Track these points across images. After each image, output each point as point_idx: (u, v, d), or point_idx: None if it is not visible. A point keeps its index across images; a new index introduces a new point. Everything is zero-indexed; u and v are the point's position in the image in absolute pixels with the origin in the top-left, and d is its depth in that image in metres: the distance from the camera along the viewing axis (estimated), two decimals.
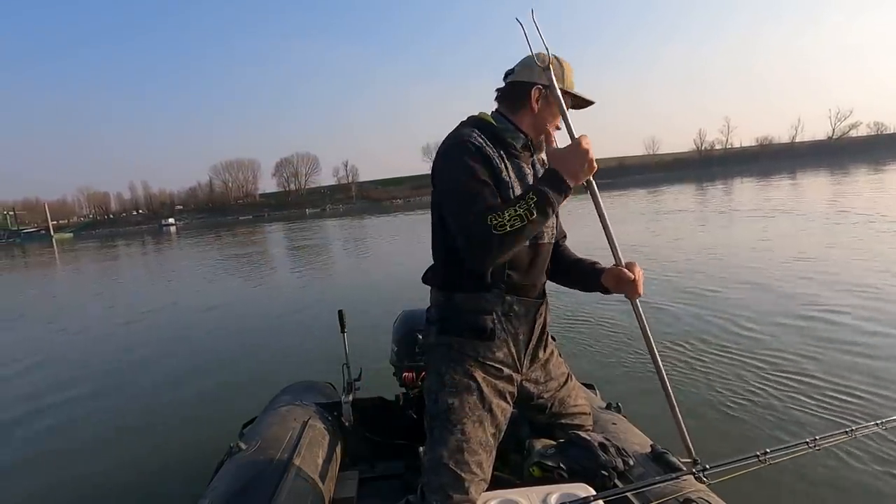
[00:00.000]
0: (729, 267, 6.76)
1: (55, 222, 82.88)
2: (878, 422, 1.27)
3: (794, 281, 5.66)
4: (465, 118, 1.40)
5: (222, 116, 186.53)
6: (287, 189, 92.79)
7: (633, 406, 2.81)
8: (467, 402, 1.28)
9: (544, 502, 1.25)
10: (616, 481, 1.40)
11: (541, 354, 1.49)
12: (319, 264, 12.75)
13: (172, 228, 61.42)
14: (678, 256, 7.96)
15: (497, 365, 1.33)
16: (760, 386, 3.16)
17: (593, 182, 1.29)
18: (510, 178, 1.29)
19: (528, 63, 1.34)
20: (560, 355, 1.62)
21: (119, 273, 16.55)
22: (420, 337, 2.12)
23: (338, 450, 1.89)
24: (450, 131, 1.34)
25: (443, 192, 1.27)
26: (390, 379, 2.23)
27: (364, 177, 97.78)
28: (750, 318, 4.40)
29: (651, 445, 1.53)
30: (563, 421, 1.59)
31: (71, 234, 73.13)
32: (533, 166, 1.40)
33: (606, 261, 1.49)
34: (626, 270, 1.38)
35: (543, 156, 1.43)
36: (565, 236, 1.62)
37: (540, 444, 1.55)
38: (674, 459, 1.43)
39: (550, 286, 1.51)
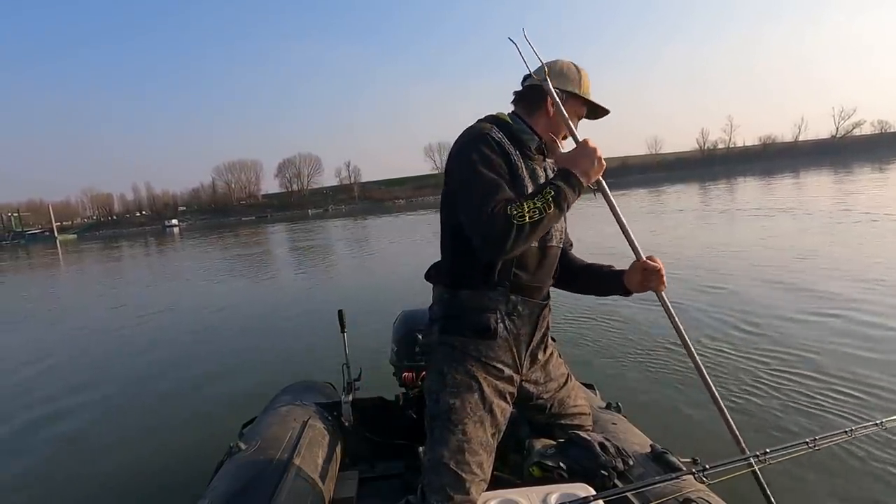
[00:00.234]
0: (728, 265, 6.74)
1: (59, 223, 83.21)
2: (877, 421, 1.26)
3: (795, 279, 5.64)
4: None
5: (224, 117, 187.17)
6: (290, 190, 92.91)
7: (633, 406, 2.82)
8: (468, 402, 1.28)
9: (544, 502, 1.25)
10: (616, 481, 1.40)
11: (541, 356, 1.49)
12: (320, 265, 12.78)
13: (176, 229, 61.60)
14: (678, 254, 7.94)
15: (498, 365, 1.33)
16: (761, 384, 3.16)
17: (603, 181, 1.31)
18: (524, 176, 1.31)
19: (546, 67, 1.36)
20: (560, 356, 1.62)
21: (122, 274, 16.60)
22: (420, 337, 2.12)
23: (338, 450, 1.89)
24: (462, 129, 1.34)
25: (460, 182, 1.25)
26: (390, 379, 2.23)
27: (366, 177, 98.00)
28: (750, 316, 4.39)
29: (651, 445, 1.53)
30: (562, 421, 1.59)
31: (75, 236, 73.41)
32: (545, 170, 1.41)
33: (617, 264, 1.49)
34: (650, 261, 1.40)
35: (550, 161, 1.45)
36: (572, 245, 1.63)
37: (540, 444, 1.56)
38: (674, 459, 1.43)
39: (555, 291, 1.51)
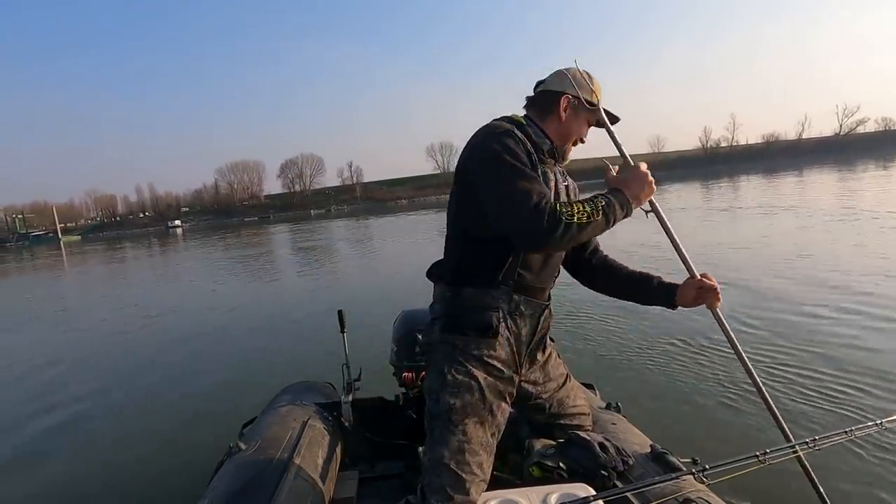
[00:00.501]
0: (730, 263, 6.72)
1: (63, 225, 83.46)
2: (877, 422, 1.26)
3: (797, 277, 5.62)
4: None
5: (226, 118, 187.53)
6: (292, 190, 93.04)
7: (633, 406, 2.81)
8: (469, 402, 1.28)
9: (544, 502, 1.25)
10: (616, 481, 1.40)
11: (539, 357, 1.50)
12: (321, 265, 12.79)
13: (179, 230, 61.77)
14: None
15: (499, 365, 1.33)
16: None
17: (656, 202, 1.37)
18: (538, 177, 1.31)
19: (561, 73, 1.42)
20: (559, 356, 1.62)
21: (125, 275, 16.65)
22: (420, 337, 2.13)
23: (338, 450, 1.89)
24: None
25: (489, 175, 1.25)
26: (390, 379, 2.23)
27: (368, 177, 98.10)
28: (750, 315, 4.38)
29: (651, 445, 1.53)
30: (562, 421, 1.59)
31: (79, 237, 73.69)
32: (555, 175, 1.41)
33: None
34: (707, 279, 1.44)
35: (559, 169, 1.46)
36: (597, 245, 1.63)
37: (540, 444, 1.56)
38: (673, 459, 1.43)
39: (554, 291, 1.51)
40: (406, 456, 1.99)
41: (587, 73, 1.43)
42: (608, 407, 1.85)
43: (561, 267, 1.53)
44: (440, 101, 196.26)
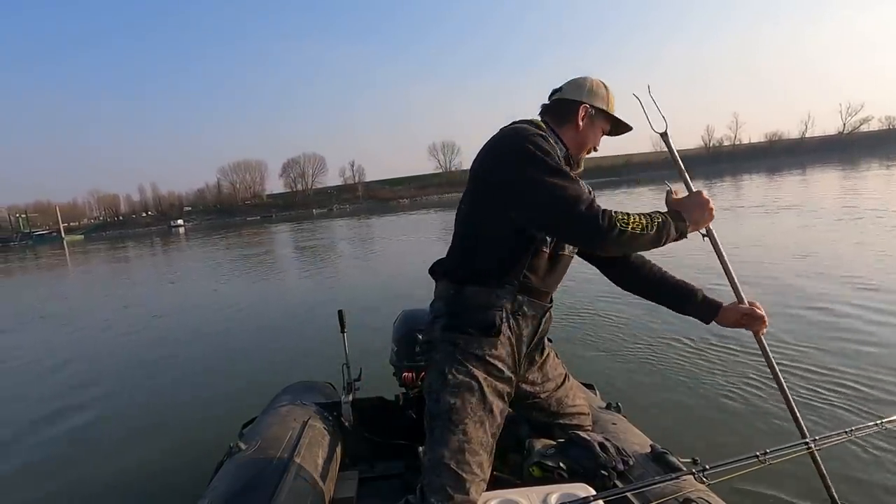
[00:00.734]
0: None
1: (66, 224, 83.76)
2: (877, 422, 1.26)
3: (798, 276, 5.59)
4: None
5: (228, 118, 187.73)
6: (294, 190, 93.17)
7: (633, 406, 2.80)
8: (469, 402, 1.28)
9: (544, 502, 1.25)
10: (616, 481, 1.40)
11: (537, 358, 1.51)
12: (322, 264, 12.79)
13: (181, 229, 61.91)
14: (677, 251, 7.91)
15: (499, 365, 1.33)
16: (761, 383, 3.14)
17: (713, 230, 1.41)
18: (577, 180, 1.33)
19: (578, 83, 1.46)
20: (557, 356, 1.63)
21: (127, 274, 16.68)
22: (420, 337, 2.13)
23: (338, 450, 1.89)
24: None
25: (526, 178, 1.24)
26: (390, 379, 2.23)
27: (370, 177, 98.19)
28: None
29: (651, 445, 1.53)
30: (561, 421, 1.59)
31: (82, 236, 73.91)
32: None
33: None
34: (756, 308, 1.47)
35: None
36: None
37: (540, 443, 1.56)
38: (673, 459, 1.43)
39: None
40: (406, 456, 1.99)
41: (603, 84, 1.47)
42: (608, 407, 1.85)
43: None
44: (440, 100, 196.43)
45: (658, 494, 1.24)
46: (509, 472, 1.61)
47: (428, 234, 17.31)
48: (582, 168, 1.49)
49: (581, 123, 1.43)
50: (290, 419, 1.88)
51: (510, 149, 1.31)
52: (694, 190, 1.36)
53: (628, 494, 1.27)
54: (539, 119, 1.46)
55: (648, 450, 1.50)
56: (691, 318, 1.54)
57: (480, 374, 1.31)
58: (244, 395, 3.72)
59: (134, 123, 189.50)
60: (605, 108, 1.46)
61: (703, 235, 1.40)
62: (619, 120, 1.50)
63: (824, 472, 1.41)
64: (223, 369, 4.69)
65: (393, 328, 2.27)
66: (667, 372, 3.51)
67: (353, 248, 16.45)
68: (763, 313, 1.46)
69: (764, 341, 1.51)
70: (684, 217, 1.29)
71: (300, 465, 1.59)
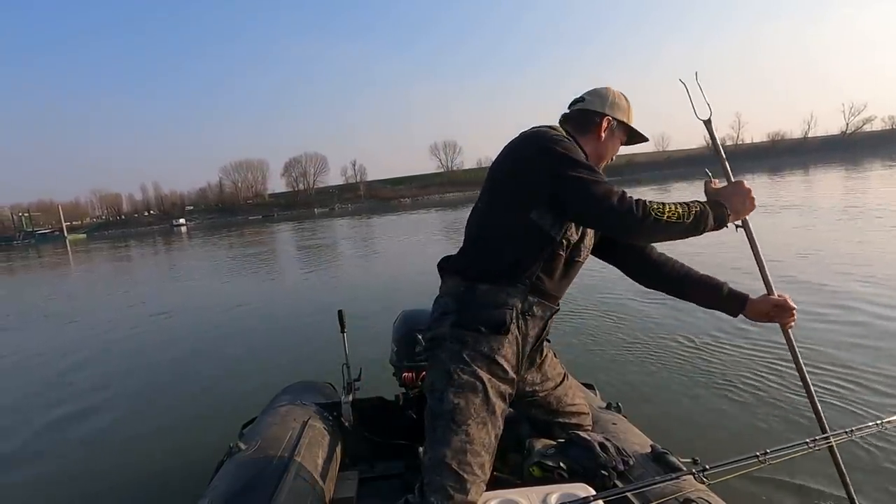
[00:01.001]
0: (728, 261, 6.68)
1: (69, 223, 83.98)
2: (877, 422, 1.26)
3: (800, 274, 5.56)
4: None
5: (231, 118, 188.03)
6: (296, 189, 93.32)
7: (633, 406, 2.79)
8: (473, 403, 1.28)
9: (544, 502, 1.25)
10: (616, 481, 1.40)
11: (537, 358, 1.51)
12: (323, 264, 12.80)
13: (183, 228, 62.04)
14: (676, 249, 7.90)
15: (504, 364, 1.33)
16: (761, 382, 3.14)
17: (748, 221, 1.41)
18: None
19: (601, 94, 1.48)
20: (556, 356, 1.63)
21: (130, 273, 16.72)
22: (420, 337, 2.13)
23: (337, 450, 1.89)
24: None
25: (561, 174, 1.26)
26: (390, 379, 2.23)
27: (372, 176, 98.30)
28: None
29: (651, 445, 1.53)
30: (561, 419, 1.59)
31: (84, 235, 74.09)
32: None
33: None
34: (788, 300, 1.46)
35: None
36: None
37: (540, 443, 1.56)
38: (674, 459, 1.43)
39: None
40: (406, 456, 1.99)
41: (624, 95, 1.50)
42: (608, 407, 1.85)
43: None
44: (440, 99, 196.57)
45: (658, 494, 1.24)
46: (509, 471, 1.61)
47: (427, 235, 17.32)
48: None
49: (603, 135, 1.46)
50: (290, 419, 1.88)
51: (538, 147, 1.32)
52: (734, 179, 1.36)
53: (628, 494, 1.27)
54: (559, 126, 1.47)
55: (648, 450, 1.50)
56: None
57: (485, 375, 1.30)
58: (244, 395, 3.72)
59: (136, 123, 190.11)
60: (626, 120, 1.49)
61: (738, 226, 1.40)
62: (637, 131, 1.53)
63: (843, 469, 1.40)
64: (223, 369, 4.69)
65: (393, 328, 2.27)
66: (667, 371, 3.50)
67: (353, 248, 16.45)
68: (794, 305, 1.46)
69: (791, 335, 1.51)
70: (726, 206, 1.30)
71: (300, 465, 1.59)
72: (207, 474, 1.65)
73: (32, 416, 4.04)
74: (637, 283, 1.63)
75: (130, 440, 3.38)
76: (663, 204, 1.23)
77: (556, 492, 1.27)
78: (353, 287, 8.74)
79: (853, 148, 68.09)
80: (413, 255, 11.84)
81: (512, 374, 1.35)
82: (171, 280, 13.08)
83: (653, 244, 1.59)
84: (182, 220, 76.98)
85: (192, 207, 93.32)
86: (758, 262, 1.48)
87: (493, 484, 1.32)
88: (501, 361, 1.32)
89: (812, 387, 1.50)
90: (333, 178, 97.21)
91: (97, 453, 3.26)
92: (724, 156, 1.45)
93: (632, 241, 1.38)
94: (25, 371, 5.54)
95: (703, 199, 1.34)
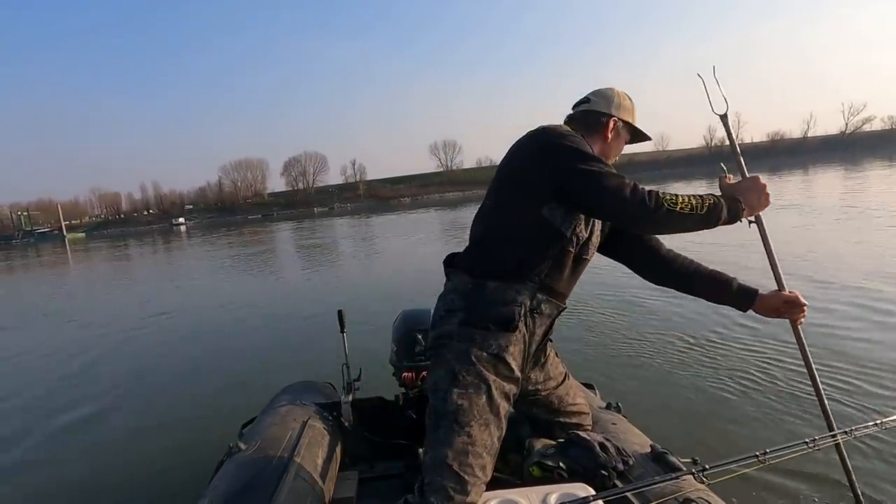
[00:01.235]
0: (725, 261, 6.69)
1: (68, 222, 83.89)
2: (876, 422, 1.26)
3: (799, 274, 5.59)
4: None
5: (230, 117, 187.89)
6: (295, 188, 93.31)
7: (633, 406, 2.78)
8: (476, 404, 1.27)
9: (544, 502, 1.25)
10: (616, 481, 1.39)
11: (541, 357, 1.51)
12: (323, 263, 12.81)
13: (182, 228, 62.05)
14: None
15: (511, 363, 1.32)
16: (760, 381, 3.14)
17: (762, 217, 1.42)
18: None
19: (606, 95, 1.49)
20: (557, 355, 1.62)
21: (129, 273, 16.71)
22: (420, 337, 2.13)
23: (337, 450, 1.89)
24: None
25: (576, 168, 1.27)
26: (390, 379, 2.23)
27: (372, 175, 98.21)
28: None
29: (651, 445, 1.52)
30: (561, 419, 1.59)
31: (83, 234, 74.06)
32: None
33: None
34: (799, 296, 1.47)
35: None
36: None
37: (540, 443, 1.56)
38: (674, 459, 1.43)
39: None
40: (406, 456, 1.99)
41: (627, 96, 1.51)
42: (608, 407, 1.85)
43: None
44: (439, 98, 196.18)
45: (658, 494, 1.24)
46: (509, 471, 1.60)
47: (427, 234, 17.32)
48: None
49: (610, 136, 1.48)
50: (289, 419, 1.88)
51: (548, 143, 1.33)
52: (749, 175, 1.37)
53: (628, 494, 1.27)
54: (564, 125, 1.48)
55: (648, 450, 1.50)
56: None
57: (490, 377, 1.29)
58: (244, 395, 3.71)
59: (135, 122, 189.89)
60: (631, 121, 1.50)
61: (751, 222, 1.40)
62: (641, 131, 1.54)
63: (850, 467, 1.41)
64: (223, 369, 4.68)
65: (393, 328, 2.28)
66: (666, 371, 3.51)
67: (352, 248, 16.44)
68: (805, 301, 1.46)
69: (801, 331, 1.51)
70: (740, 201, 1.30)
71: (300, 465, 1.59)
72: (207, 474, 1.65)
73: (33, 415, 4.04)
74: (645, 280, 1.63)
75: (130, 440, 3.38)
76: (676, 195, 1.23)
77: (555, 492, 1.27)
78: (353, 287, 8.73)
79: (853, 148, 68.15)
80: (411, 255, 11.84)
81: (517, 372, 1.34)
82: (170, 279, 13.06)
83: (661, 241, 1.59)
84: (181, 220, 76.92)
85: (191, 207, 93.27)
86: (769, 258, 1.49)
87: (493, 484, 1.32)
88: (508, 360, 1.31)
89: (821, 384, 1.50)
90: (333, 178, 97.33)
91: (97, 453, 3.25)
92: (739, 151, 1.46)
93: (645, 232, 1.38)
94: (25, 371, 5.54)
95: (717, 193, 1.34)
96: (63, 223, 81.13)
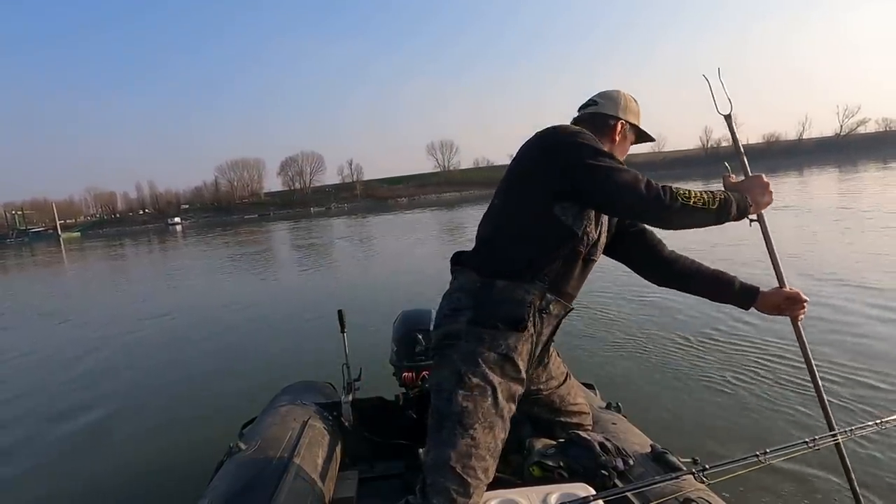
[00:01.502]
0: (720, 258, 6.72)
1: (62, 221, 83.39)
2: (875, 421, 1.26)
3: (797, 273, 5.62)
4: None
5: (226, 116, 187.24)
6: (292, 188, 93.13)
7: (633, 406, 2.77)
8: (481, 407, 1.25)
9: (544, 502, 1.25)
10: (616, 481, 1.39)
11: (545, 357, 1.52)
12: (320, 264, 12.80)
13: (178, 227, 61.83)
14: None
15: (518, 363, 1.31)
16: (761, 381, 3.15)
17: (764, 215, 1.45)
18: None
19: (613, 97, 1.50)
20: (558, 355, 1.63)
21: (125, 273, 16.65)
22: (420, 337, 2.13)
23: (337, 450, 1.89)
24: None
25: (589, 165, 1.26)
26: (390, 379, 2.23)
27: (368, 175, 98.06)
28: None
29: (651, 445, 1.53)
30: (562, 419, 1.59)
31: (78, 233, 73.67)
32: None
33: None
34: (800, 293, 1.48)
35: None
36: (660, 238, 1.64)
37: (540, 443, 1.56)
38: (674, 459, 1.43)
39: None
40: (406, 456, 1.99)
41: (633, 98, 1.52)
42: (608, 407, 1.85)
43: None
44: (434, 98, 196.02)
45: (658, 494, 1.24)
46: (510, 471, 1.60)
47: (426, 234, 17.31)
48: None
49: (617, 138, 1.49)
50: (290, 419, 1.88)
51: (560, 141, 1.33)
52: (752, 174, 1.39)
53: (628, 494, 1.27)
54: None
55: (648, 450, 1.50)
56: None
57: (496, 378, 1.28)
58: (244, 394, 3.71)
59: (131, 120, 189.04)
60: (637, 123, 1.52)
61: (752, 220, 1.42)
62: (645, 133, 1.55)
63: (850, 467, 1.41)
64: (223, 369, 4.68)
65: (393, 328, 2.28)
66: (667, 372, 3.51)
67: (349, 248, 16.42)
68: (806, 298, 1.48)
69: (801, 328, 1.51)
70: (747, 197, 1.33)
71: (300, 465, 1.59)
72: (207, 474, 1.65)
73: (30, 414, 4.02)
74: (647, 281, 1.64)
75: (130, 439, 3.37)
76: (689, 190, 1.24)
77: (556, 492, 1.27)
78: (353, 287, 8.72)
79: (847, 149, 68.51)
80: (409, 255, 11.83)
81: (523, 373, 1.33)
82: (167, 280, 13.01)
83: (663, 242, 1.60)
84: (177, 219, 76.64)
85: (187, 206, 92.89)
86: (771, 256, 1.50)
87: (494, 484, 1.31)
88: (516, 360, 1.30)
89: (821, 383, 1.50)
90: (330, 178, 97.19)
91: (97, 453, 3.25)
92: (742, 150, 1.48)
93: (659, 226, 1.35)
94: (23, 371, 5.52)
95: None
96: (58, 222, 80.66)
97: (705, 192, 1.26)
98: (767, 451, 1.15)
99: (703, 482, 1.25)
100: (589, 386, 2.11)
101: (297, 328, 5.99)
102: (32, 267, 23.65)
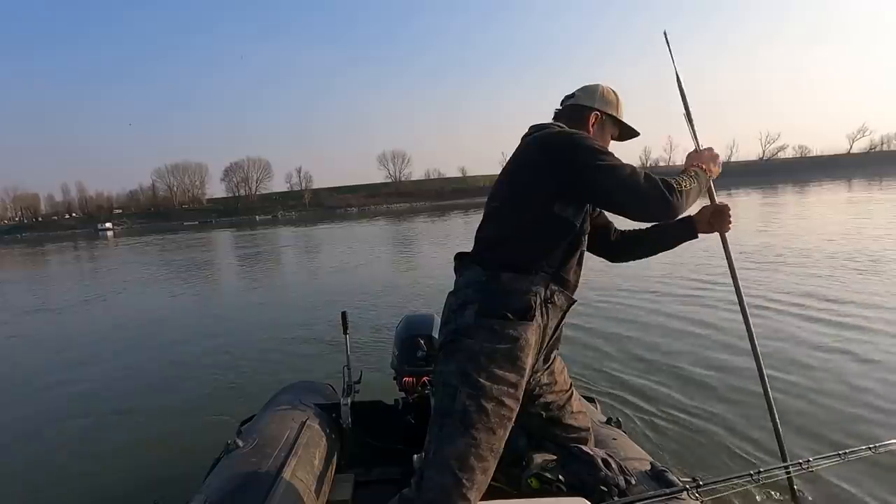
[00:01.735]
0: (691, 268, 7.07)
1: None
2: (870, 446, 1.31)
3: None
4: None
5: (165, 118, 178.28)
6: (237, 195, 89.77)
7: (633, 421, 2.76)
8: (485, 407, 1.24)
9: None
10: (614, 497, 1.38)
11: (551, 357, 1.51)
12: (315, 268, 12.39)
13: (109, 233, 57.99)
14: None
15: (525, 359, 1.30)
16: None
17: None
18: None
19: (589, 89, 1.53)
20: (566, 368, 1.63)
21: (122, 273, 15.37)
22: (422, 342, 2.11)
23: (335, 452, 1.86)
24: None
25: (590, 163, 1.30)
26: (390, 383, 2.20)
27: (318, 184, 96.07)
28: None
29: (650, 463, 1.52)
30: (562, 432, 1.57)
31: None
32: None
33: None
34: (727, 204, 1.63)
35: None
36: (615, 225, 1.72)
37: (539, 456, 1.55)
38: (673, 478, 1.42)
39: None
40: (403, 461, 1.94)
41: (613, 91, 1.54)
42: (608, 422, 1.85)
43: None
44: (395, 110, 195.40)
45: None
46: (507, 482, 1.57)
47: (379, 245, 17.08)
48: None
49: (592, 129, 1.51)
50: (288, 419, 1.84)
51: (558, 143, 1.36)
52: (701, 147, 1.54)
53: None
54: (553, 123, 1.50)
55: (648, 467, 1.49)
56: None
57: (502, 378, 1.27)
58: (243, 393, 3.67)
59: (56, 116, 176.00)
60: (615, 114, 1.54)
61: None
62: (628, 126, 1.58)
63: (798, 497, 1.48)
64: (223, 368, 4.55)
65: (395, 333, 2.25)
66: (667, 387, 3.43)
67: (287, 265, 15.93)
68: (729, 207, 1.61)
69: (727, 242, 1.68)
70: (702, 165, 1.45)
71: (296, 465, 1.55)
72: (203, 470, 1.60)
73: (30, 414, 3.86)
74: (605, 259, 1.74)
75: (127, 436, 3.28)
76: (676, 178, 1.31)
77: None
78: (353, 287, 8.43)
79: (769, 173, 74.14)
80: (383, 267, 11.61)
81: (529, 371, 1.34)
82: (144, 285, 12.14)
83: (611, 222, 1.70)
84: (108, 224, 72.17)
85: (120, 211, 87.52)
86: (710, 195, 1.64)
87: (491, 494, 1.30)
88: (523, 355, 1.29)
89: (776, 412, 1.56)
90: (278, 185, 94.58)
91: (94, 449, 3.15)
92: (695, 128, 1.66)
93: (664, 219, 1.38)
94: (22, 367, 5.34)
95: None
96: None
97: (684, 175, 1.37)
98: (762, 470, 1.18)
99: (697, 498, 1.28)
100: (589, 400, 2.10)
101: (297, 329, 5.81)
102: None
